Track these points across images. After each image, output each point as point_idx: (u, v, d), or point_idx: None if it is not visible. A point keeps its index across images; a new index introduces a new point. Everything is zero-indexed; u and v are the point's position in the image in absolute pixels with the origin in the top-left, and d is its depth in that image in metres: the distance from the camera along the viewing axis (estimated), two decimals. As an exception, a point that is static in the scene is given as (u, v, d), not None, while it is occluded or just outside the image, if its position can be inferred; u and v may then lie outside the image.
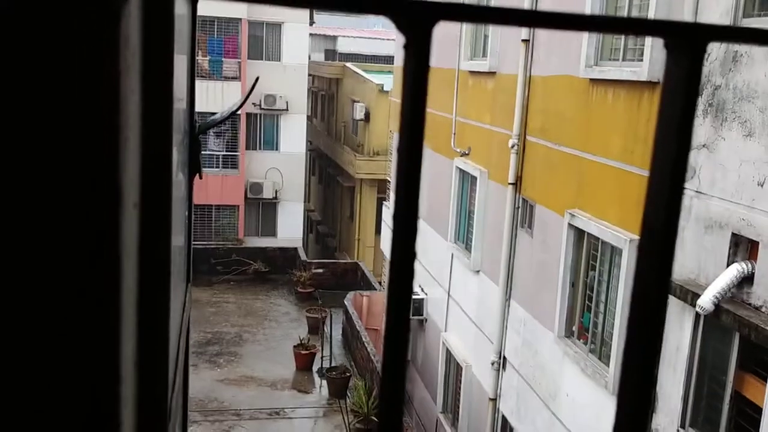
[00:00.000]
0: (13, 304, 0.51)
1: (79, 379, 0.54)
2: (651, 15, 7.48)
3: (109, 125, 0.50)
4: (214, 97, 25.03)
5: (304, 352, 18.05)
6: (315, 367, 18.13)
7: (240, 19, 25.71)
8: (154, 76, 0.71)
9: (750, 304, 6.18)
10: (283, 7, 0.37)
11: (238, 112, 25.47)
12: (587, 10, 8.66)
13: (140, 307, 0.74)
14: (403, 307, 0.43)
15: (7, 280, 0.51)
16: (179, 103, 1.52)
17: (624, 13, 8.28)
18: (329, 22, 44.89)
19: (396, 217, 0.40)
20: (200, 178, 2.03)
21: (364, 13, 0.39)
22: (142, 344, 0.74)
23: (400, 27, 0.37)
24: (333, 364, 17.65)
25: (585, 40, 8.73)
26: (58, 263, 0.51)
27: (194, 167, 1.95)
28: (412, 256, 0.43)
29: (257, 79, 3.35)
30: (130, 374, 0.66)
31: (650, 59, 7.46)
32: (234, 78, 25.71)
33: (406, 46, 0.38)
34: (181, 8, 1.46)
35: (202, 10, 24.40)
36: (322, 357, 18.00)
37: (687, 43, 0.45)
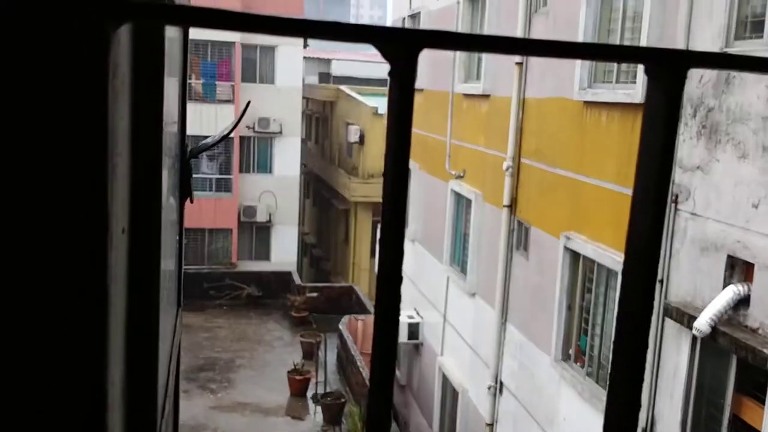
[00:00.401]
0: None
1: (66, 404, 0.53)
2: (644, 36, 7.53)
3: (97, 152, 0.49)
4: (208, 121, 25.07)
5: (298, 377, 17.90)
6: (309, 393, 17.97)
7: (233, 43, 25.84)
8: (144, 103, 0.71)
9: (747, 326, 6.15)
10: (272, 35, 0.34)
11: (231, 135, 25.51)
12: (580, 32, 8.72)
13: (129, 333, 0.71)
14: (391, 328, 0.41)
15: None
16: (170, 127, 1.50)
17: (617, 35, 8.34)
18: (323, 45, 45.21)
19: (383, 241, 0.38)
20: (191, 202, 1.99)
21: (350, 42, 0.36)
22: (131, 370, 0.72)
23: (385, 55, 0.35)
24: (328, 390, 17.50)
25: (578, 63, 8.78)
26: (45, 287, 0.51)
27: (185, 191, 1.92)
28: (398, 278, 0.42)
29: (248, 104, 3.33)
30: (118, 400, 0.64)
31: (644, 81, 7.49)
32: (227, 101, 25.79)
33: (391, 73, 0.36)
34: (172, 32, 1.44)
35: (196, 34, 24.55)
36: (316, 382, 17.85)
37: (668, 69, 0.45)
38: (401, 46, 0.37)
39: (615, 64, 8.34)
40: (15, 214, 0.49)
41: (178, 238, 1.91)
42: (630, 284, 0.48)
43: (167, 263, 1.53)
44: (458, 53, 12.81)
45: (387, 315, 0.40)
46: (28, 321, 0.51)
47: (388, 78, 0.38)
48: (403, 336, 14.76)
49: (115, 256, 0.58)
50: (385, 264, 0.41)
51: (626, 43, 8.19)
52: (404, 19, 16.16)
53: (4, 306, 0.50)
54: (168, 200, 1.49)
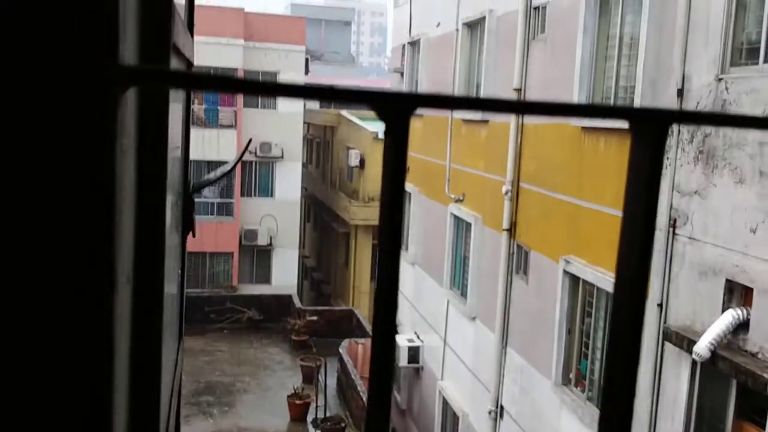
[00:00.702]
0: (5, 373, 0.52)
1: None
2: (640, 63, 7.62)
3: (105, 209, 0.51)
4: (210, 146, 25.20)
5: (298, 401, 17.80)
6: (309, 418, 17.85)
7: (236, 69, 26.05)
8: (149, 156, 0.74)
9: (746, 351, 6.15)
10: (273, 97, 0.39)
11: (230, 158, 25.61)
12: (577, 58, 8.82)
13: (132, 378, 0.74)
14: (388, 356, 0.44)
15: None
16: (173, 163, 1.54)
17: (614, 61, 8.42)
18: (324, 71, 45.54)
19: (377, 296, 0.41)
20: (193, 236, 2.03)
21: (347, 103, 0.41)
22: (133, 414, 0.74)
23: (380, 115, 0.40)
24: (328, 414, 17.39)
25: (576, 89, 8.87)
26: (50, 336, 0.52)
27: (187, 226, 1.96)
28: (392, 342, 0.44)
29: (250, 141, 3.39)
30: None
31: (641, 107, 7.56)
32: (230, 126, 25.94)
33: (386, 132, 0.40)
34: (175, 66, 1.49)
35: (199, 59, 24.76)
36: (316, 407, 17.74)
37: (650, 126, 0.48)
38: (395, 107, 0.41)
39: (612, 90, 8.43)
40: (23, 268, 0.50)
41: (180, 271, 1.94)
42: (618, 328, 0.50)
43: (169, 298, 1.56)
44: (458, 78, 12.93)
45: (384, 342, 0.43)
46: (34, 376, 0.52)
47: (384, 136, 0.43)
48: (403, 360, 14.71)
49: (120, 307, 0.60)
50: (379, 330, 0.43)
51: (623, 70, 8.28)
52: (404, 45, 16.32)
53: (12, 355, 0.51)
54: (170, 237, 1.53)
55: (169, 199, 1.43)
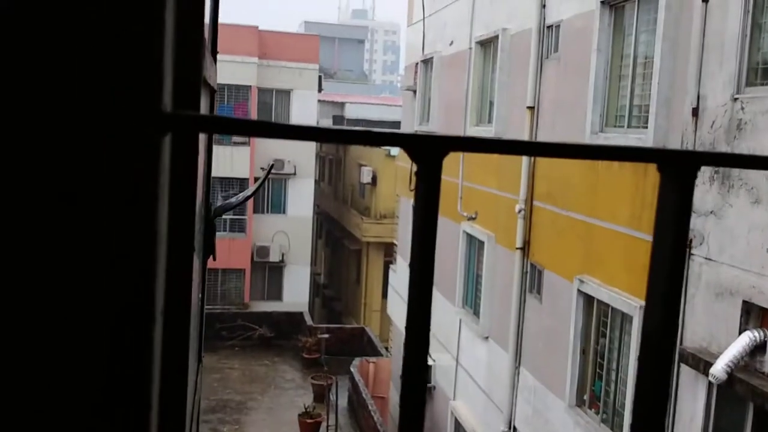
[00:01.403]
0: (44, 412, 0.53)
1: None
2: (654, 83, 7.60)
3: (147, 252, 0.53)
4: (224, 162, 25.32)
5: (309, 420, 17.72)
6: (320, 436, 17.76)
7: (250, 87, 26.24)
8: (179, 198, 0.75)
9: (763, 373, 6.07)
10: (305, 140, 0.38)
11: (247, 176, 25.74)
12: (591, 78, 8.81)
13: (161, 405, 0.74)
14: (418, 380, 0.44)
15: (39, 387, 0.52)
16: (198, 193, 1.55)
17: (628, 81, 8.41)
18: (337, 88, 45.79)
19: (407, 346, 0.41)
20: (214, 260, 2.03)
21: (382, 146, 0.40)
22: None
23: (413, 158, 0.39)
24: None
25: (590, 107, 8.85)
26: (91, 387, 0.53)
27: (209, 250, 1.95)
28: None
29: (272, 165, 3.41)
30: None
31: (655, 126, 7.53)
32: (243, 143, 26.08)
33: (418, 174, 0.39)
34: (204, 105, 1.50)
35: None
36: (327, 426, 17.65)
37: (678, 168, 0.48)
38: (428, 150, 0.40)
39: (627, 108, 8.41)
40: (73, 309, 0.52)
41: (200, 295, 1.94)
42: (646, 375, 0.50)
43: (192, 325, 1.55)
44: (471, 96, 12.95)
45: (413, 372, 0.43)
46: (81, 411, 0.53)
47: (416, 177, 0.42)
48: (415, 379, 14.61)
49: (156, 340, 0.62)
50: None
51: (637, 89, 8.26)
52: (417, 63, 16.38)
53: (66, 384, 0.53)
54: (194, 260, 1.53)
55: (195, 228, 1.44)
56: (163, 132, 0.50)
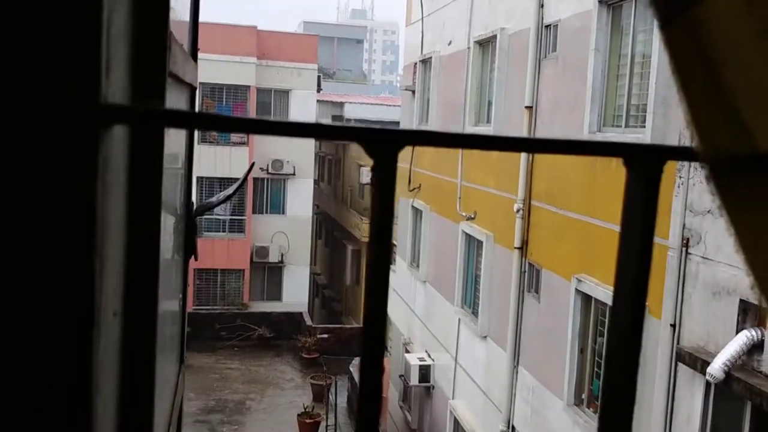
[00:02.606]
0: None
1: None
2: (652, 81, 7.60)
3: (85, 245, 0.51)
4: (222, 163, 25.34)
5: (308, 420, 17.72)
6: (320, 436, 17.77)
7: (248, 87, 26.24)
8: (141, 188, 0.74)
9: (761, 372, 6.07)
10: (255, 134, 0.38)
11: (242, 175, 25.71)
12: (589, 77, 8.82)
13: (121, 408, 0.73)
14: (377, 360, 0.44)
15: None
16: (175, 187, 1.54)
17: (626, 80, 8.41)
18: (336, 89, 45.81)
19: (364, 345, 0.41)
20: (196, 259, 2.03)
21: (338, 140, 0.40)
22: None
23: (369, 152, 0.39)
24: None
25: (588, 107, 8.86)
26: (23, 384, 0.52)
27: (189, 250, 1.95)
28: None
29: (253, 164, 3.41)
30: None
31: (653, 125, 7.54)
32: (242, 143, 26.08)
33: (374, 169, 0.40)
34: (177, 103, 1.50)
35: (211, 77, 24.95)
36: (326, 426, 17.66)
37: (645, 162, 0.48)
38: (384, 144, 0.40)
39: (624, 107, 8.41)
40: None
41: (181, 295, 1.94)
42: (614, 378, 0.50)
43: (168, 324, 1.55)
44: (469, 96, 12.95)
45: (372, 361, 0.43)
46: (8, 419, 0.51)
47: (371, 172, 0.42)
48: (414, 379, 14.63)
49: (104, 340, 0.61)
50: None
51: (634, 89, 8.27)
52: (416, 63, 16.39)
53: None
54: (171, 261, 1.52)
55: (171, 224, 1.42)
56: (101, 124, 0.50)
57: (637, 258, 0.49)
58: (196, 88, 1.91)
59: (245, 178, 3.28)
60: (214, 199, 2.88)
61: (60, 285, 0.51)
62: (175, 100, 1.34)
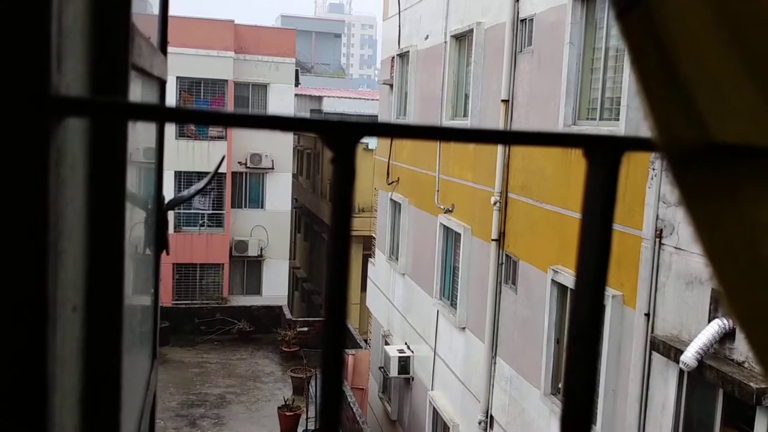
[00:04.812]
0: None
1: None
2: (625, 75, 7.69)
3: (36, 239, 0.51)
4: (201, 157, 25.18)
5: (288, 413, 17.73)
6: (300, 429, 17.79)
7: (226, 81, 26.08)
8: (102, 181, 0.73)
9: (733, 360, 6.20)
10: (211, 126, 0.41)
11: (224, 171, 25.60)
12: (564, 71, 8.89)
13: (85, 402, 0.73)
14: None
15: None
16: (144, 181, 1.55)
17: (600, 73, 8.50)
18: (314, 83, 45.62)
19: (324, 335, 0.44)
20: (167, 254, 2.05)
21: (298, 132, 0.43)
22: None
23: (327, 143, 0.42)
24: (318, 426, 17.30)
25: (563, 100, 8.94)
26: None
27: (161, 244, 1.96)
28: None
29: (223, 158, 3.41)
30: None
31: (626, 118, 7.63)
32: (219, 138, 25.92)
33: (333, 161, 0.42)
34: (147, 97, 1.50)
35: (189, 71, 24.76)
36: (307, 418, 17.68)
37: (604, 153, 0.49)
38: (341, 136, 0.43)
39: (599, 101, 8.50)
40: None
41: (153, 290, 1.95)
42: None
43: (139, 316, 1.54)
44: (446, 89, 13.00)
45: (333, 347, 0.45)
46: None
47: (331, 164, 0.45)
48: (393, 370, 14.69)
49: (61, 334, 0.59)
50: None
51: (608, 82, 8.36)
52: (393, 57, 16.39)
53: None
54: (142, 254, 1.52)
55: (140, 218, 1.43)
56: (52, 117, 0.49)
57: (597, 247, 0.50)
58: (165, 82, 1.92)
59: (216, 172, 3.28)
60: (185, 192, 2.89)
61: (10, 279, 0.50)
62: (142, 93, 1.35)
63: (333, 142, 0.43)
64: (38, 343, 0.52)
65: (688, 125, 0.42)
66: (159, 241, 1.90)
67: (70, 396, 0.68)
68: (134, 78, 1.04)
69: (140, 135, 1.27)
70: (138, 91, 1.25)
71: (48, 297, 0.52)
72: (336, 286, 0.45)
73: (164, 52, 1.94)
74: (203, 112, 0.41)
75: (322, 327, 0.48)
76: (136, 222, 1.26)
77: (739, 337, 6.14)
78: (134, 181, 1.09)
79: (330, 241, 0.45)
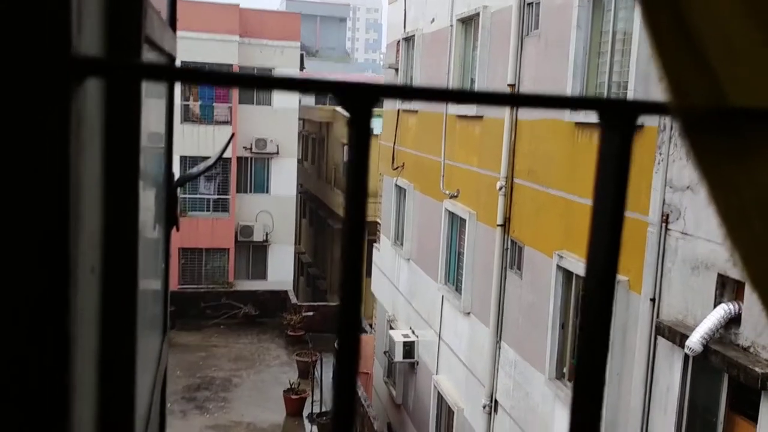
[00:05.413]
0: None
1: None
2: (633, 58, 7.64)
3: (58, 201, 0.51)
4: (206, 141, 25.18)
5: (294, 396, 17.84)
6: (305, 412, 17.90)
7: (231, 65, 26.00)
8: (118, 150, 0.73)
9: (738, 345, 6.19)
10: (234, 88, 0.40)
11: (229, 156, 25.60)
12: (571, 54, 8.84)
13: (101, 369, 0.74)
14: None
15: None
16: (155, 157, 1.55)
17: (607, 57, 8.44)
18: (320, 67, 45.49)
19: (341, 290, 0.43)
20: (177, 230, 2.05)
21: (314, 94, 0.42)
22: (105, 408, 0.74)
23: (344, 106, 0.41)
24: (324, 409, 17.44)
25: (569, 84, 8.89)
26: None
27: (171, 220, 1.97)
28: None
29: (233, 135, 3.42)
30: None
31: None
32: (225, 122, 25.91)
33: (350, 123, 0.42)
34: (157, 59, 1.50)
35: (194, 55, 24.72)
36: (312, 402, 17.79)
37: (619, 117, 0.48)
38: (358, 98, 0.42)
39: (606, 85, 8.45)
40: None
41: (164, 266, 1.95)
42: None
43: (150, 292, 1.55)
44: (452, 73, 12.94)
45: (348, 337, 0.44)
46: None
47: (347, 126, 0.45)
48: (398, 355, 14.75)
49: (81, 294, 0.59)
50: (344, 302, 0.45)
51: (616, 65, 8.31)
52: (399, 41, 16.31)
53: None
54: (151, 230, 1.53)
55: (151, 193, 1.44)
56: (73, 77, 0.49)
57: (611, 215, 0.50)
58: (175, 58, 1.92)
59: (225, 148, 3.29)
60: (194, 169, 2.90)
61: (34, 240, 0.50)
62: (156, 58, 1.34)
63: (350, 104, 0.42)
64: (61, 303, 0.52)
65: (702, 89, 0.42)
66: (169, 217, 1.91)
67: (88, 356, 0.68)
68: (146, 51, 1.03)
69: (149, 110, 1.27)
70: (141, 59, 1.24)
71: (70, 255, 0.52)
72: (352, 256, 0.44)
73: (173, 28, 1.93)
74: (217, 73, 0.41)
75: (338, 287, 0.47)
76: (147, 196, 1.26)
77: (745, 321, 6.14)
78: (144, 156, 1.08)
79: (347, 202, 0.44)
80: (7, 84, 0.48)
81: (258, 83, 0.40)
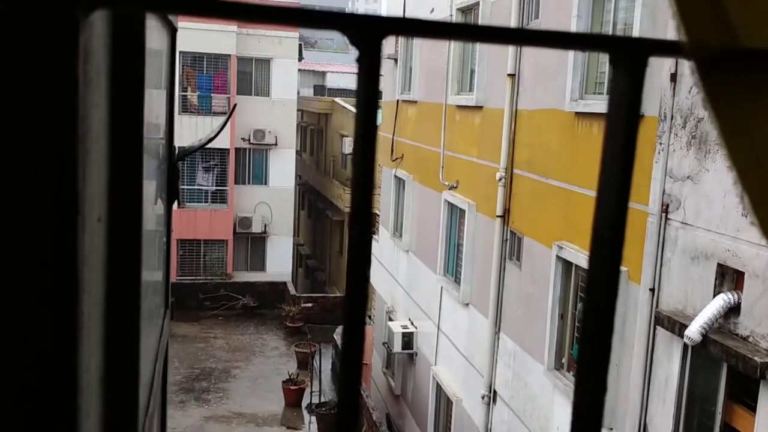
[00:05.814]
0: None
1: (38, 394, 0.53)
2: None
3: (66, 134, 0.50)
4: (204, 132, 25.09)
5: (293, 387, 17.87)
6: (304, 403, 17.93)
7: (229, 56, 25.93)
8: (123, 92, 0.72)
9: (737, 335, 6.19)
10: (237, 21, 0.38)
11: (227, 147, 25.55)
12: (570, 58, 8.79)
13: (107, 322, 0.73)
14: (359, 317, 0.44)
15: None
16: (157, 131, 1.53)
17: (606, 59, 8.41)
18: (318, 58, 45.39)
19: (351, 227, 0.42)
20: (179, 206, 2.04)
21: (318, 29, 0.40)
22: (110, 363, 0.74)
23: (352, 41, 0.40)
24: (323, 400, 17.47)
25: (570, 75, 8.86)
26: (9, 274, 0.51)
27: (172, 195, 1.95)
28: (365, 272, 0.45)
29: (234, 106, 3.40)
30: (94, 390, 0.65)
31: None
32: (223, 113, 25.83)
33: (359, 59, 0.40)
34: (160, 39, 1.48)
35: (192, 46, 24.63)
36: (311, 392, 17.82)
37: (629, 57, 0.47)
38: (367, 33, 0.41)
39: (606, 75, 8.42)
40: None
41: (166, 240, 1.94)
42: (595, 277, 0.50)
43: (154, 264, 1.54)
44: (452, 64, 12.90)
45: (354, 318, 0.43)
46: None
47: (356, 63, 0.43)
48: (397, 346, 14.76)
49: (89, 241, 0.59)
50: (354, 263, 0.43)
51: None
52: (398, 31, 16.25)
53: None
54: (155, 202, 1.51)
55: (153, 165, 1.42)
56: (80, 9, 0.48)
57: (621, 157, 0.48)
58: (176, 30, 1.90)
59: (226, 121, 3.27)
60: (195, 142, 2.88)
61: (42, 179, 0.50)
62: (156, 36, 1.33)
63: (358, 39, 0.41)
64: (69, 246, 0.52)
65: (716, 29, 0.41)
66: (171, 191, 1.90)
67: (96, 304, 0.68)
68: (149, 16, 1.02)
69: (152, 97, 1.25)
70: (153, 36, 1.22)
71: (78, 193, 0.51)
72: (361, 207, 0.43)
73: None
74: (223, 3, 0.39)
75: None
76: (149, 167, 1.24)
77: (745, 311, 6.13)
78: (147, 129, 1.07)
79: (355, 145, 0.43)
80: (14, 16, 0.47)
81: (265, 15, 0.38)
